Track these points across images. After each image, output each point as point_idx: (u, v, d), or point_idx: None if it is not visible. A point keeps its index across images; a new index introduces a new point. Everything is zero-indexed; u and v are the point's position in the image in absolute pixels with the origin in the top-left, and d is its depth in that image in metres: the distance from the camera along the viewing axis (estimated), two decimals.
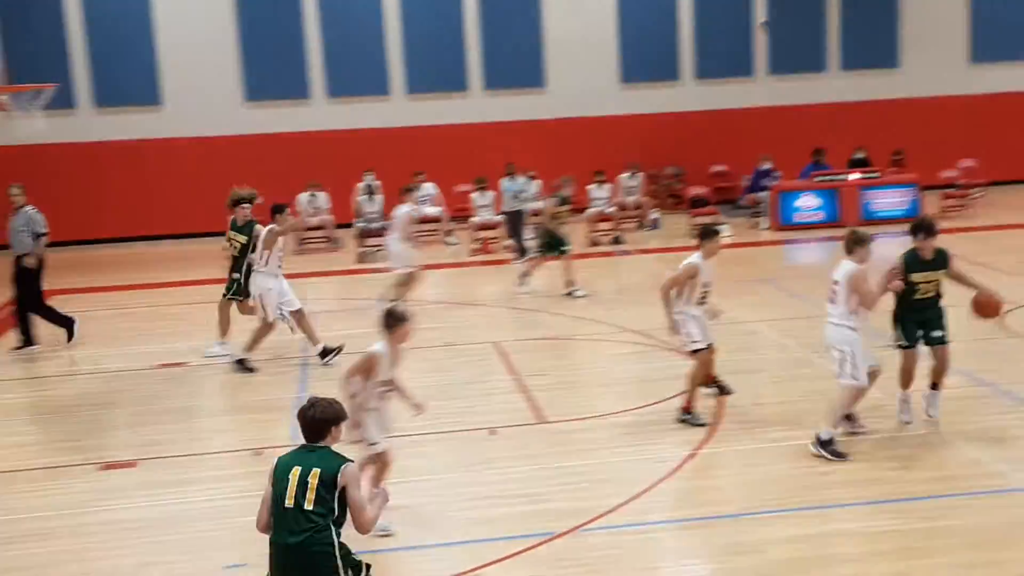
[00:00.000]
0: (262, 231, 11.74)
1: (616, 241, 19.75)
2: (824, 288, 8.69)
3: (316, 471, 5.23)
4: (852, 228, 9.11)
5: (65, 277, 18.25)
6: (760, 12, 23.79)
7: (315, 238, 20.60)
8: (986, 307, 8.90)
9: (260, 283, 11.70)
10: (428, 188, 20.56)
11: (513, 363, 11.82)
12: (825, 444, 8.37)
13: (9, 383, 12.19)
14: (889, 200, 20.57)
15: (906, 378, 8.94)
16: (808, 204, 20.50)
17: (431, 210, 20.49)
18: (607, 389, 10.94)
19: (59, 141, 20.73)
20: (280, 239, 11.74)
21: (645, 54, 23.44)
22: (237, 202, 12.16)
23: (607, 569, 6.92)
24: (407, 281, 14.05)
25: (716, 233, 9.49)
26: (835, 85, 24.09)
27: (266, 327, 11.79)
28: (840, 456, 8.31)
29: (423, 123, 22.79)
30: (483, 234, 19.75)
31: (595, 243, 19.68)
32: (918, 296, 8.73)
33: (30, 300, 13.20)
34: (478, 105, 23.17)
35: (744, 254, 17.71)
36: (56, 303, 13.67)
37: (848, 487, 7.90)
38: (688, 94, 23.78)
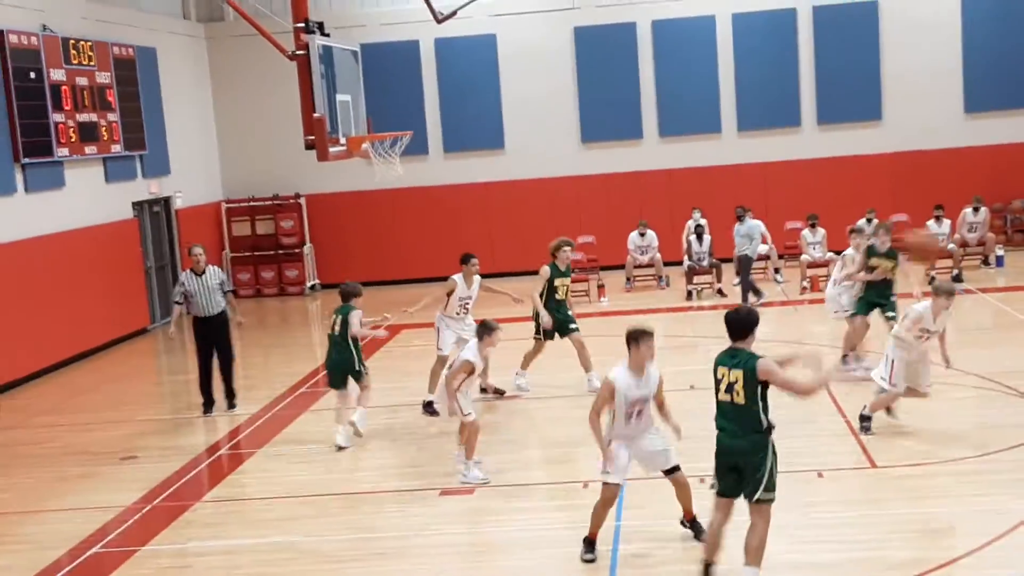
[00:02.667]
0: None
1: (957, 279, 18.80)
2: None
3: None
4: None
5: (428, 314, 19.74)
6: None
7: (644, 276, 21.06)
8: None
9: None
10: (757, 225, 20.51)
11: (842, 404, 11.66)
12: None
13: (378, 410, 13.39)
14: None
15: None
16: None
17: (760, 247, 20.43)
18: (944, 434, 10.54)
19: (414, 185, 22.53)
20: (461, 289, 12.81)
21: (993, 82, 22.16)
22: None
23: None
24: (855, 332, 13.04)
25: (493, 330, 8.22)
26: None
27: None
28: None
29: (753, 160, 22.79)
30: (813, 272, 19.44)
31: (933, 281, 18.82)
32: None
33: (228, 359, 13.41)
34: (809, 140, 22.85)
35: None
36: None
37: None
38: None
